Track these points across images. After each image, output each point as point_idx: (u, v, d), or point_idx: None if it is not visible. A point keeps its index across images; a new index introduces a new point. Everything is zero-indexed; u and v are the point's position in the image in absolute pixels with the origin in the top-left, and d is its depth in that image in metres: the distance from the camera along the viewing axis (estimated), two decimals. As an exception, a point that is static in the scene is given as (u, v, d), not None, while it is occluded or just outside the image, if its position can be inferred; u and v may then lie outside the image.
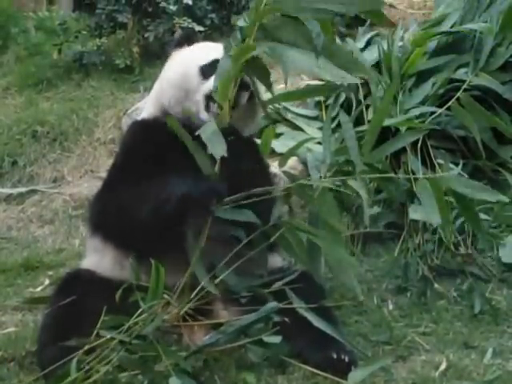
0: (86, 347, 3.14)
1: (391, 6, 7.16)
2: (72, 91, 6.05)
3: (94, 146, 5.53)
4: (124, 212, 3.22)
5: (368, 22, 6.18)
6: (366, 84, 4.66)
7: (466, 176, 4.25)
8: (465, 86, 4.34)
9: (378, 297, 3.74)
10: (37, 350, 3.17)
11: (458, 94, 4.31)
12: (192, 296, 3.22)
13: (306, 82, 5.64)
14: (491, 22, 4.58)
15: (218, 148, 3.02)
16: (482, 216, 3.96)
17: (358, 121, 4.53)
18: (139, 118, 3.57)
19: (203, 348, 3.00)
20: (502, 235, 3.99)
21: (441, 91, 4.45)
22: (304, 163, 4.63)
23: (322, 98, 5.03)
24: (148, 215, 3.15)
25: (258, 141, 3.70)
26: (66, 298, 3.21)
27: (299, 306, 3.21)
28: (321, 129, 4.89)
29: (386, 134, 4.31)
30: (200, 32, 5.89)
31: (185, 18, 5.83)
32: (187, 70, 3.33)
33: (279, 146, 4.65)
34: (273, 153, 4.52)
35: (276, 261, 3.57)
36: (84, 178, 5.34)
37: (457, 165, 4.25)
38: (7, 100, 6.11)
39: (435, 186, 3.07)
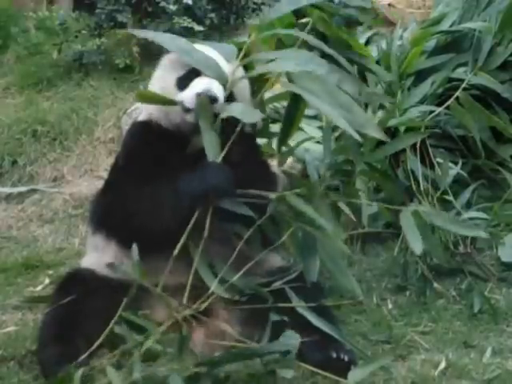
0: (87, 346, 3.18)
1: (390, 5, 7.16)
2: (72, 91, 6.05)
3: (93, 146, 5.53)
4: (133, 211, 3.23)
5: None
6: (365, 83, 4.66)
7: (465, 175, 4.27)
8: (464, 85, 4.34)
9: (378, 296, 3.74)
10: (37, 349, 3.17)
11: (457, 94, 4.31)
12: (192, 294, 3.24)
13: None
14: (490, 21, 4.58)
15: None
16: (481, 215, 3.99)
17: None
18: (139, 118, 3.59)
19: (213, 366, 2.97)
20: (501, 234, 3.98)
21: (440, 90, 4.45)
22: (303, 162, 4.63)
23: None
24: (163, 215, 3.17)
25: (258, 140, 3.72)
26: (66, 298, 3.21)
27: (299, 305, 3.23)
28: (320, 128, 4.90)
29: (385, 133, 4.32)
30: (200, 32, 5.90)
31: (184, 18, 5.84)
32: (165, 82, 3.36)
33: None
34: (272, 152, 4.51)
35: (276, 260, 3.57)
36: (84, 178, 5.34)
37: (456, 164, 4.26)
38: (7, 99, 6.11)
39: (418, 217, 3.07)
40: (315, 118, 5.03)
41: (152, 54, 6.06)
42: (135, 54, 6.08)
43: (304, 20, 3.40)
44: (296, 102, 3.37)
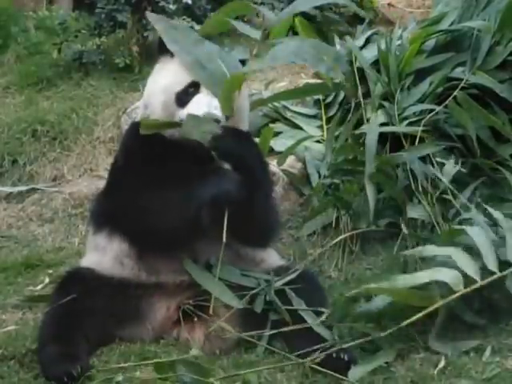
0: (87, 345, 3.18)
1: (390, 4, 7.17)
2: (72, 90, 6.04)
3: (93, 145, 5.53)
4: (141, 211, 3.25)
5: (367, 20, 6.20)
6: (365, 82, 4.67)
7: (465, 174, 4.27)
8: (462, 85, 4.34)
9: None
10: (37, 348, 3.18)
11: (455, 93, 4.32)
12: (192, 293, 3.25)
13: (305, 80, 5.66)
14: (489, 20, 4.58)
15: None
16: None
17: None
18: (137, 118, 3.60)
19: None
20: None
21: (439, 90, 4.45)
22: (303, 162, 4.63)
23: (321, 97, 5.03)
24: (171, 216, 3.18)
25: (257, 139, 3.72)
26: (66, 297, 3.22)
27: (300, 308, 3.25)
28: (320, 127, 4.91)
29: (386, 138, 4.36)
30: (199, 31, 5.90)
31: (184, 17, 5.84)
32: (165, 95, 3.36)
33: (278, 144, 4.66)
34: (272, 151, 4.53)
35: (275, 259, 3.58)
36: (84, 177, 5.34)
37: (455, 163, 4.26)
38: (7, 99, 6.11)
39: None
40: (315, 117, 5.04)
41: (152, 53, 6.07)
42: (135, 54, 6.07)
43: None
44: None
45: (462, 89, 4.33)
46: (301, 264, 3.77)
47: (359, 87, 4.62)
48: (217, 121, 3.23)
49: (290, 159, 4.59)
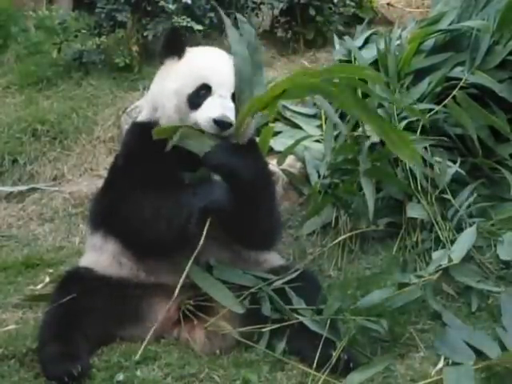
0: (87, 345, 3.19)
1: (389, 4, 7.18)
2: (72, 90, 6.05)
3: (93, 145, 5.53)
4: (132, 213, 3.25)
5: (366, 20, 6.20)
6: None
7: (464, 174, 4.27)
8: (461, 84, 4.35)
9: (377, 294, 3.75)
10: (37, 348, 3.19)
11: (454, 92, 4.32)
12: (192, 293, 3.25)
13: (304, 80, 5.65)
14: (488, 20, 4.58)
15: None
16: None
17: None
18: (138, 118, 3.59)
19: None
20: (499, 232, 3.99)
21: (438, 89, 4.46)
22: (302, 161, 4.64)
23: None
24: (160, 221, 3.19)
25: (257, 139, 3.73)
26: (67, 296, 3.23)
27: (300, 307, 3.25)
28: (319, 127, 4.91)
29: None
30: (199, 31, 5.90)
31: (184, 17, 5.83)
32: (177, 100, 3.34)
33: (278, 144, 4.67)
34: (271, 151, 4.53)
35: (276, 259, 3.59)
36: (84, 177, 5.35)
37: (454, 163, 4.26)
38: (7, 99, 6.11)
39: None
40: (314, 116, 5.05)
41: (151, 53, 6.08)
42: (135, 54, 6.08)
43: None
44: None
45: (461, 88, 4.34)
46: (300, 263, 3.78)
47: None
48: (230, 125, 3.24)
49: (290, 159, 4.59)
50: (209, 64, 3.38)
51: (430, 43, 4.74)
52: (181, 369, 3.11)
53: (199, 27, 5.88)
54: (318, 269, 4.05)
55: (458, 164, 4.24)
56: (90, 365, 3.08)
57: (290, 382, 3.03)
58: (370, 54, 4.92)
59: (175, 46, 3.45)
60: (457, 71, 4.51)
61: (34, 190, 5.22)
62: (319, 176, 4.46)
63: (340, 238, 4.12)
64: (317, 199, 4.35)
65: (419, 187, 4.09)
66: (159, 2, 5.90)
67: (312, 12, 6.47)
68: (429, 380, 2.99)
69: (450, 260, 3.64)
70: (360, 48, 5.12)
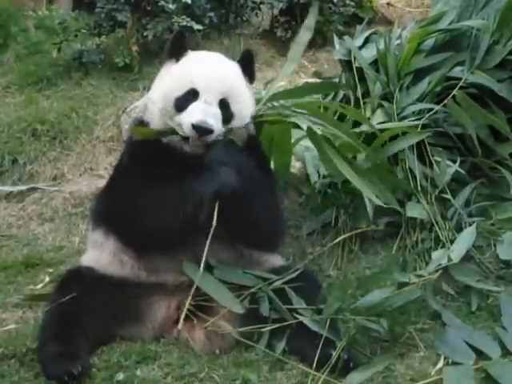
0: (87, 344, 3.19)
1: (389, 4, 7.19)
2: (72, 90, 6.05)
3: (93, 144, 5.54)
4: (135, 210, 3.26)
5: (366, 20, 6.20)
6: (364, 82, 4.67)
7: (464, 173, 4.27)
8: (461, 84, 4.34)
9: (376, 294, 3.75)
10: (37, 347, 3.19)
11: (454, 92, 4.32)
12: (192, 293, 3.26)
13: (304, 79, 5.66)
14: (488, 19, 4.58)
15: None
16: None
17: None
18: (141, 118, 3.59)
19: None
20: (499, 232, 3.99)
21: (437, 89, 4.45)
22: (302, 161, 4.64)
23: (320, 96, 5.03)
24: (166, 216, 3.19)
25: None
26: (67, 296, 3.23)
27: (300, 307, 3.26)
28: (319, 127, 4.90)
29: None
30: (199, 31, 5.91)
31: (184, 17, 5.84)
32: (165, 100, 3.37)
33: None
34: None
35: (276, 260, 3.59)
36: (84, 176, 5.35)
37: (454, 162, 4.26)
38: (7, 98, 6.12)
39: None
40: (314, 116, 5.03)
41: (151, 53, 6.08)
42: (134, 53, 6.08)
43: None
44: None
45: (461, 88, 4.33)
46: (300, 263, 3.78)
47: (358, 87, 4.62)
48: (210, 131, 3.23)
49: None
50: (199, 69, 3.39)
51: (429, 43, 4.73)
52: (181, 368, 3.11)
53: (199, 27, 5.88)
54: (318, 269, 4.05)
55: (457, 163, 4.23)
56: (90, 364, 3.09)
57: (290, 381, 3.04)
58: (369, 53, 4.91)
59: (177, 48, 3.47)
60: (456, 71, 4.50)
61: (33, 189, 5.23)
62: (319, 176, 4.46)
63: (340, 238, 4.11)
64: (317, 199, 4.35)
65: (419, 187, 4.09)
66: (159, 1, 5.90)
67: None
68: (429, 380, 2.99)
69: (450, 259, 3.64)
70: (360, 48, 5.10)
